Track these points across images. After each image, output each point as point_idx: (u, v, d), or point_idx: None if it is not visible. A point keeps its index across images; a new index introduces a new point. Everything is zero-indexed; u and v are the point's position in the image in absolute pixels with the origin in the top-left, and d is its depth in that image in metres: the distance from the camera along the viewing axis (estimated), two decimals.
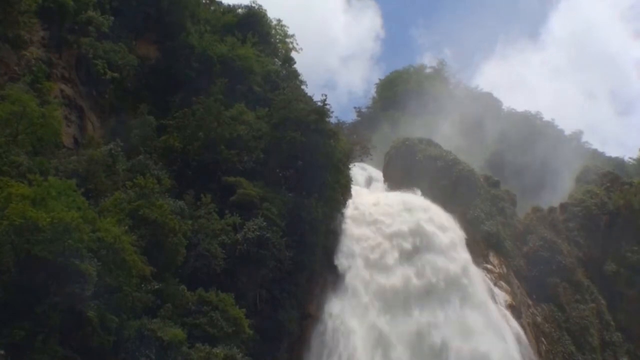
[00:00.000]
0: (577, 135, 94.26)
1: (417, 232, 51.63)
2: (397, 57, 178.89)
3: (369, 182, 68.39)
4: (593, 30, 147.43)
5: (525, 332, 51.05)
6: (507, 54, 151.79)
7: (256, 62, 53.90)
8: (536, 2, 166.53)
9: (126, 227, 32.55)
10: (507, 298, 52.62)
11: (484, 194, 59.49)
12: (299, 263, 43.14)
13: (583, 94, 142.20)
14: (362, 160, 70.99)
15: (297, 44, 65.27)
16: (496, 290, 52.59)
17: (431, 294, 48.01)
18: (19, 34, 38.18)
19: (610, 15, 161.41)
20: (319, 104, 49.44)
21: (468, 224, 56.08)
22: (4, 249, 27.19)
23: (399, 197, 56.81)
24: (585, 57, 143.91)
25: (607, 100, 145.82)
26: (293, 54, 64.65)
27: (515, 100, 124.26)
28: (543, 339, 53.44)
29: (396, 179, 61.86)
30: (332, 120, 57.72)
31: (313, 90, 73.85)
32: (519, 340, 49.24)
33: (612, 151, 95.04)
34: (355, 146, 68.45)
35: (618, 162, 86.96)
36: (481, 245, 56.00)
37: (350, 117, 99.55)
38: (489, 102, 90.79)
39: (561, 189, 71.20)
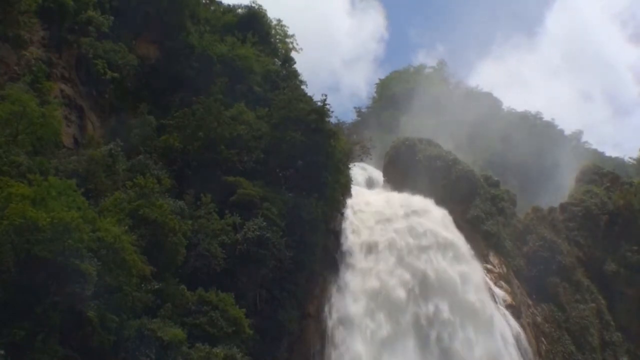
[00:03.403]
0: (577, 135, 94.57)
1: (417, 232, 51.59)
2: (401, 58, 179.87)
3: (369, 182, 68.33)
4: (588, 32, 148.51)
5: (525, 332, 51.07)
6: (503, 53, 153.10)
7: (256, 62, 53.92)
8: (533, 2, 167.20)
9: (126, 227, 32.54)
10: (507, 298, 52.62)
11: (484, 194, 59.52)
12: (299, 263, 43.12)
13: (579, 95, 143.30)
14: (362, 160, 71.00)
15: (297, 44, 65.38)
16: (496, 290, 52.59)
17: (431, 292, 47.88)
18: (19, 34, 38.15)
19: (604, 17, 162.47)
20: (319, 104, 49.48)
21: (468, 224, 56.10)
22: (4, 249, 27.16)
23: (399, 197, 56.61)
24: (581, 58, 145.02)
25: (603, 101, 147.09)
26: (294, 55, 64.76)
27: (511, 100, 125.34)
28: (543, 338, 53.45)
29: (396, 179, 61.85)
30: (332, 120, 57.78)
31: (317, 93, 73.80)
32: (518, 340, 49.25)
33: (608, 152, 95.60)
34: (355, 146, 68.51)
35: (618, 162, 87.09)
36: (481, 245, 55.99)
37: (351, 117, 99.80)
38: (489, 102, 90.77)
39: (561, 189, 71.20)
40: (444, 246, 51.65)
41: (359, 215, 53.93)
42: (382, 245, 50.95)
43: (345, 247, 50.63)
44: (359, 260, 50.02)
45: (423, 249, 50.80)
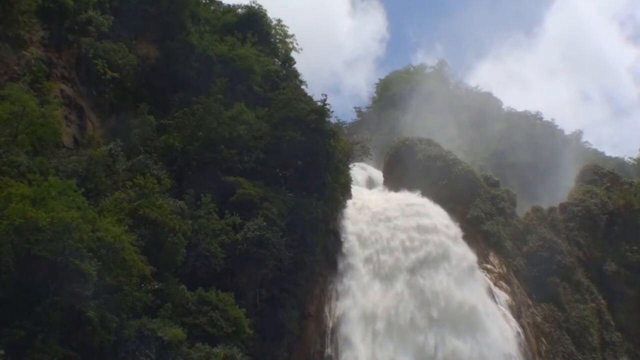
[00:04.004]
0: (577, 135, 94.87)
1: (424, 296, 45.14)
2: (402, 58, 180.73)
3: (369, 182, 68.29)
4: (587, 33, 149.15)
5: (525, 332, 51.04)
6: (502, 53, 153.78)
7: (256, 62, 53.90)
8: (532, 2, 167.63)
9: (126, 227, 32.55)
10: (507, 298, 52.61)
11: (484, 194, 59.52)
12: (299, 263, 43.15)
13: (578, 95, 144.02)
14: (362, 160, 71.03)
15: (297, 44, 65.29)
16: (496, 290, 52.56)
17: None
18: (19, 34, 38.09)
19: (603, 17, 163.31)
20: (319, 103, 49.51)
21: (468, 224, 56.05)
22: (4, 249, 27.17)
23: (399, 197, 56.15)
24: (580, 59, 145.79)
25: (602, 102, 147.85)
26: (294, 55, 64.68)
27: (511, 100, 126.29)
28: (543, 338, 53.45)
29: (396, 179, 61.83)
30: (332, 120, 57.79)
31: (318, 93, 73.80)
32: (518, 340, 49.14)
33: (608, 152, 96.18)
34: (355, 146, 68.55)
35: (618, 162, 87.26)
36: (481, 245, 55.98)
37: (351, 117, 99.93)
38: (489, 102, 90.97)
39: (561, 189, 71.26)
40: (460, 315, 44.00)
41: (350, 265, 46.43)
42: (380, 321, 43.93)
43: (337, 313, 45.27)
44: (353, 343, 43.22)
45: (433, 322, 43.26)
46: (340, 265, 46.77)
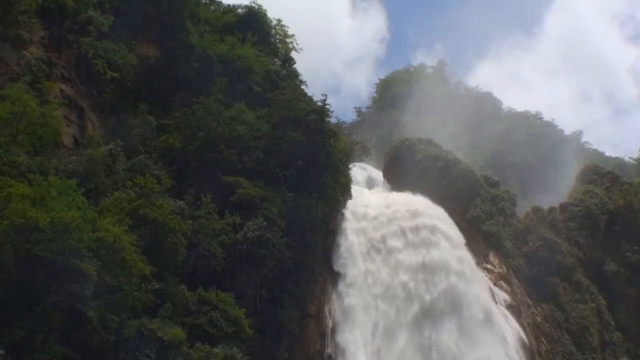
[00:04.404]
0: (577, 135, 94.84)
1: (423, 271, 44.98)
2: (402, 58, 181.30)
3: (369, 182, 68.27)
4: (586, 33, 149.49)
5: (525, 332, 51.03)
6: (502, 53, 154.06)
7: (256, 62, 53.91)
8: (532, 2, 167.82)
9: (126, 227, 32.58)
10: (507, 298, 52.59)
11: (484, 194, 59.49)
12: (299, 262, 43.18)
13: (578, 95, 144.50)
14: (362, 160, 71.01)
15: (297, 43, 65.27)
16: (496, 290, 52.54)
17: (432, 296, 45.52)
18: (19, 34, 38.11)
19: (603, 17, 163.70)
20: (319, 103, 49.52)
21: (468, 224, 56.04)
22: (4, 249, 27.18)
23: (403, 212, 53.02)
24: (580, 59, 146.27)
25: (602, 102, 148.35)
26: (294, 55, 64.65)
27: (511, 100, 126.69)
28: (543, 338, 53.44)
29: (396, 179, 61.82)
30: (332, 120, 57.75)
31: (318, 94, 73.83)
32: (519, 340, 49.12)
33: (608, 152, 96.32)
34: (355, 146, 68.54)
35: (618, 162, 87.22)
36: (481, 245, 55.95)
37: (351, 117, 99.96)
38: (489, 102, 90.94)
39: (561, 189, 71.25)
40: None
41: (347, 308, 43.81)
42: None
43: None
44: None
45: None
46: (335, 307, 43.29)
